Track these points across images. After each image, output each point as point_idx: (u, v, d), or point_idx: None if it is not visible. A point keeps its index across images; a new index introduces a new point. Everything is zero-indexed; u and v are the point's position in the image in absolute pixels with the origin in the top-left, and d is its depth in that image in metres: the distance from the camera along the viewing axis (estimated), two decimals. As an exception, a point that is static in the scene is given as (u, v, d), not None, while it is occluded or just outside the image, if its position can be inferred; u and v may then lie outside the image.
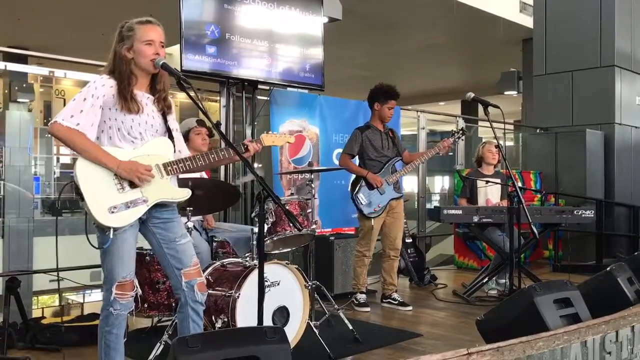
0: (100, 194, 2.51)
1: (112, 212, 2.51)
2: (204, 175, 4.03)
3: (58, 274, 3.27)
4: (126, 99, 2.56)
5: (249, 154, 2.84)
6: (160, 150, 2.67)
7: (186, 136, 3.96)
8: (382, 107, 4.87)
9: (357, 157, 4.93)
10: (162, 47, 2.66)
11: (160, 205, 2.65)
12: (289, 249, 4.08)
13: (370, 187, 4.76)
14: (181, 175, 2.80)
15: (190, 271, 2.70)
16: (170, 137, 2.73)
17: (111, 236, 2.52)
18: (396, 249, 4.95)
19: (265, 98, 5.28)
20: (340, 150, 5.86)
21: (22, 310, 3.76)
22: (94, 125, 2.53)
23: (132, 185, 2.56)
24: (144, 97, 2.66)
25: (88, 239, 2.58)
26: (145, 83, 2.69)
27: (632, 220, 7.99)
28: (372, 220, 4.77)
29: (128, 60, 2.60)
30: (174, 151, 2.73)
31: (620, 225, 7.97)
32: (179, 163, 2.67)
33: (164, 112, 2.73)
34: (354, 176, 4.95)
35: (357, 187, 4.79)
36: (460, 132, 5.12)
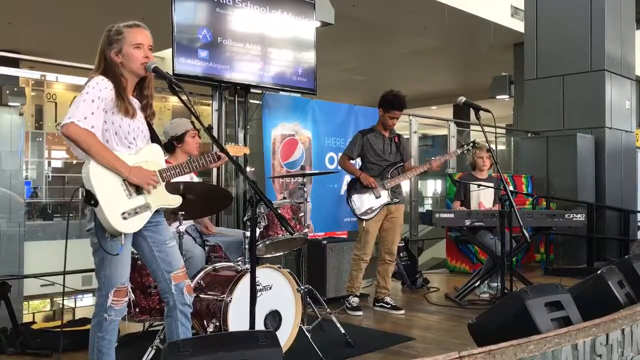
0: (113, 200, 2.49)
1: (125, 218, 2.49)
2: (193, 177, 4.02)
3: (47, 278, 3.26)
4: (124, 100, 2.54)
5: (220, 162, 2.95)
6: (154, 157, 2.68)
7: (181, 137, 3.95)
8: (384, 115, 4.86)
9: (358, 160, 4.93)
10: (150, 50, 2.65)
11: None
12: (281, 253, 4.07)
13: (365, 189, 4.77)
14: (172, 180, 2.80)
15: (178, 274, 2.70)
16: (157, 143, 2.75)
17: (123, 242, 2.51)
18: (392, 253, 4.96)
19: (258, 102, 5.28)
20: (333, 154, 5.88)
21: (12, 316, 3.73)
22: (100, 129, 2.51)
23: (138, 191, 2.56)
24: (132, 101, 2.66)
25: (101, 245, 2.49)
26: (132, 87, 2.68)
27: (622, 223, 8.05)
28: (365, 222, 4.78)
29: (117, 64, 2.59)
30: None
31: (611, 229, 8.03)
32: (172, 170, 2.68)
33: (148, 120, 2.74)
34: (350, 178, 4.95)
35: (352, 189, 4.82)
36: (471, 144, 5.07)
